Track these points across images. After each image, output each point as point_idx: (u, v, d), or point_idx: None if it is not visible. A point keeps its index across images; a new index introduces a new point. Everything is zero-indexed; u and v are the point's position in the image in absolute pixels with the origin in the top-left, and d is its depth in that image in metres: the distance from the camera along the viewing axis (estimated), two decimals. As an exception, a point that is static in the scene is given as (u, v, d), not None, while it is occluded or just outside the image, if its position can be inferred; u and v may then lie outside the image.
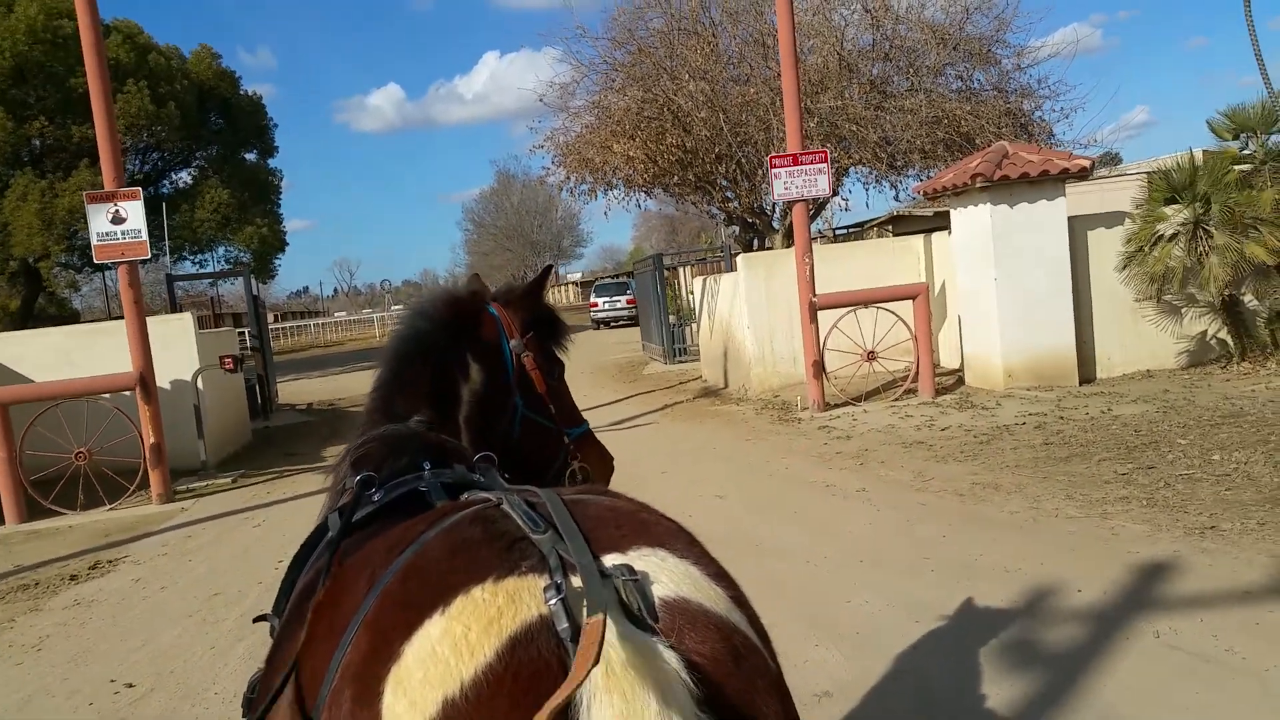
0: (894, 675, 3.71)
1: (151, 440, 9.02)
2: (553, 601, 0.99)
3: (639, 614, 0.98)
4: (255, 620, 1.66)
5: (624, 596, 0.99)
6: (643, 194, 20.02)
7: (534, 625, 0.98)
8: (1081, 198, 13.11)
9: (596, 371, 18.40)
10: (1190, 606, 4.07)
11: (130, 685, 4.46)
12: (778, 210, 18.43)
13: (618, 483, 1.40)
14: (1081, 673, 3.56)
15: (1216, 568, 4.45)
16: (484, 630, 0.98)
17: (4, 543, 8.05)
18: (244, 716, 1.39)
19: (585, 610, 0.96)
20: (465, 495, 1.42)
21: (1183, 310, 9.83)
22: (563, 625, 0.96)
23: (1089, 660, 3.66)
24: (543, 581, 1.03)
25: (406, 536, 1.23)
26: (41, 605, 6.02)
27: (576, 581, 1.02)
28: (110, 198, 8.92)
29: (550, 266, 2.33)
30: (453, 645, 0.98)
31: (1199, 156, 9.76)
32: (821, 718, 3.40)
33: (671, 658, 0.94)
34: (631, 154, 17.04)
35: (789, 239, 15.30)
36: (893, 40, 17.05)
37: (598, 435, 2.32)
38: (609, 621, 0.94)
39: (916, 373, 10.16)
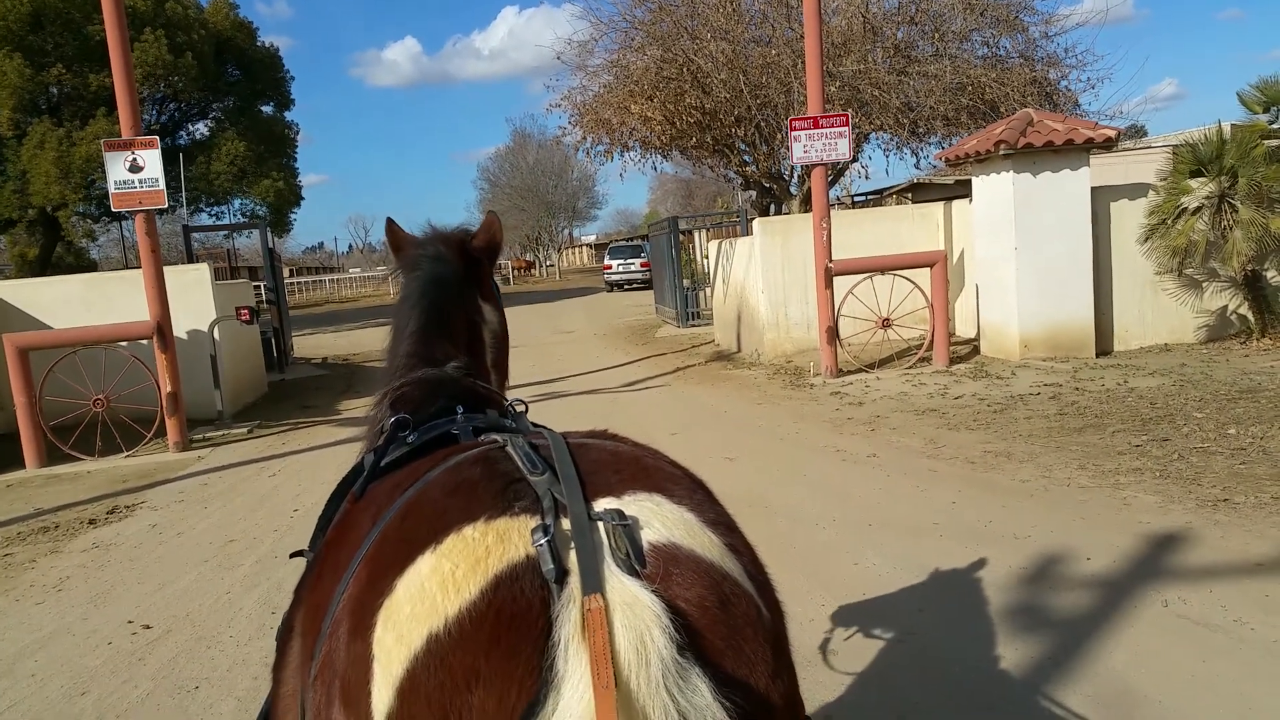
0: (899, 636, 3.73)
1: (168, 389, 9.11)
2: (540, 542, 1.00)
3: (625, 558, 0.99)
4: (292, 556, 1.70)
5: (611, 541, 1.00)
6: (660, 156, 19.84)
7: (519, 565, 1.00)
8: (1106, 169, 12.92)
9: (609, 334, 18.41)
10: (1200, 577, 4.07)
11: (147, 626, 4.55)
12: (796, 175, 18.24)
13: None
14: (1089, 639, 3.58)
15: (1228, 540, 4.44)
16: (471, 568, 1.00)
17: (24, 486, 8.19)
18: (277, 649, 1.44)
19: (576, 565, 0.97)
20: (480, 437, 1.44)
21: (1203, 285, 9.73)
22: (548, 566, 0.98)
23: (1097, 627, 3.68)
24: (533, 522, 1.04)
25: (412, 476, 1.25)
26: (61, 548, 6.13)
27: (567, 524, 1.03)
28: (128, 146, 8.92)
29: (493, 212, 2.31)
30: (440, 582, 1.00)
31: (1227, 129, 9.57)
32: (826, 675, 3.43)
33: (653, 602, 0.95)
34: (649, 115, 16.84)
35: (806, 204, 15.17)
36: (919, 3, 16.71)
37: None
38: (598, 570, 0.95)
39: (931, 341, 10.11)
